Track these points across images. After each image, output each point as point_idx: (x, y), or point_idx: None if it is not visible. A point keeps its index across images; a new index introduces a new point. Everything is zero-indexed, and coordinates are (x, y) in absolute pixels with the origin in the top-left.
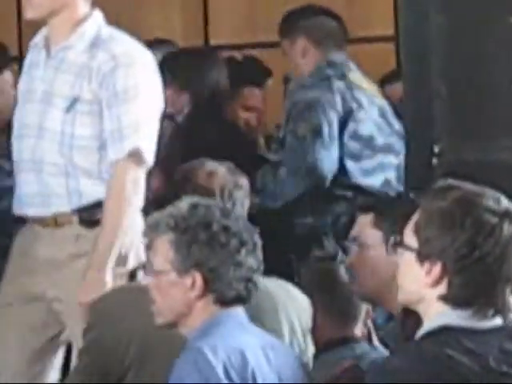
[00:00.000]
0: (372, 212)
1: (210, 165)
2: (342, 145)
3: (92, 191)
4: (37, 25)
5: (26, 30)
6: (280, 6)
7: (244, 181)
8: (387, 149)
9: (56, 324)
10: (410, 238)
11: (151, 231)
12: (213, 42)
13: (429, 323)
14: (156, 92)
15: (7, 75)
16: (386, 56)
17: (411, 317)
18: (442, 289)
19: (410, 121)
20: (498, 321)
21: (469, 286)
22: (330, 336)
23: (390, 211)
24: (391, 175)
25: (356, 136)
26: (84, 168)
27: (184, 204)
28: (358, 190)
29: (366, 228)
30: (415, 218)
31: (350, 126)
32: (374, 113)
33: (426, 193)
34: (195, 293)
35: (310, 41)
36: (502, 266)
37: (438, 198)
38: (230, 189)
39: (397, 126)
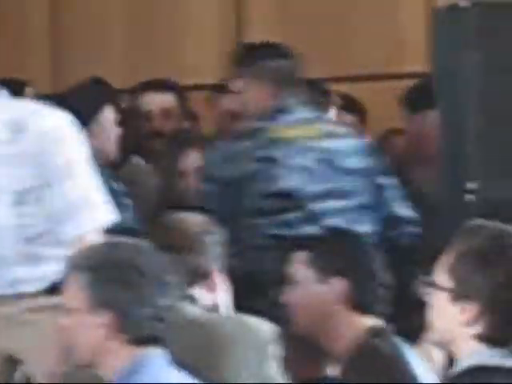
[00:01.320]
0: (306, 250)
1: (184, 214)
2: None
3: (49, 273)
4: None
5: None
6: (314, 40)
7: (216, 229)
8: (328, 195)
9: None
10: (442, 277)
11: (65, 270)
12: None
13: (462, 362)
14: (86, 152)
15: (108, 112)
16: None
17: None
18: (477, 328)
19: (444, 158)
20: None
21: (505, 325)
22: (304, 374)
23: (323, 249)
24: (337, 220)
25: (267, 194)
26: (38, 254)
27: (96, 243)
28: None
29: (299, 266)
30: (447, 257)
31: (256, 187)
32: (305, 161)
33: (457, 231)
34: (106, 332)
35: (275, 84)
36: None
37: (471, 238)
38: (201, 232)
39: (356, 164)
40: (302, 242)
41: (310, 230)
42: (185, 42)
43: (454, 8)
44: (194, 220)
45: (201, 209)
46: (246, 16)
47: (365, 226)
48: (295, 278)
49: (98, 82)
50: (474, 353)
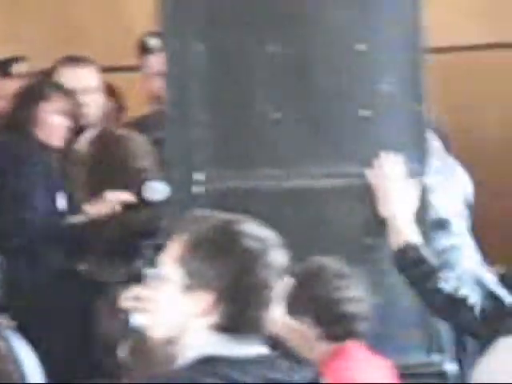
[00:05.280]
0: None
1: None
2: None
3: None
4: None
5: None
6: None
7: None
8: None
9: None
10: (171, 269)
11: None
12: None
13: (191, 353)
14: None
15: None
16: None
17: None
18: (212, 318)
19: (170, 148)
20: (263, 349)
21: (240, 315)
22: None
23: None
24: None
25: None
26: None
27: None
28: None
29: None
30: (175, 248)
31: None
32: None
33: (181, 221)
34: None
35: None
36: (268, 292)
37: (198, 228)
38: None
39: None
40: None
41: None
42: None
43: None
44: None
45: None
46: None
47: None
48: None
49: None
50: (203, 344)
